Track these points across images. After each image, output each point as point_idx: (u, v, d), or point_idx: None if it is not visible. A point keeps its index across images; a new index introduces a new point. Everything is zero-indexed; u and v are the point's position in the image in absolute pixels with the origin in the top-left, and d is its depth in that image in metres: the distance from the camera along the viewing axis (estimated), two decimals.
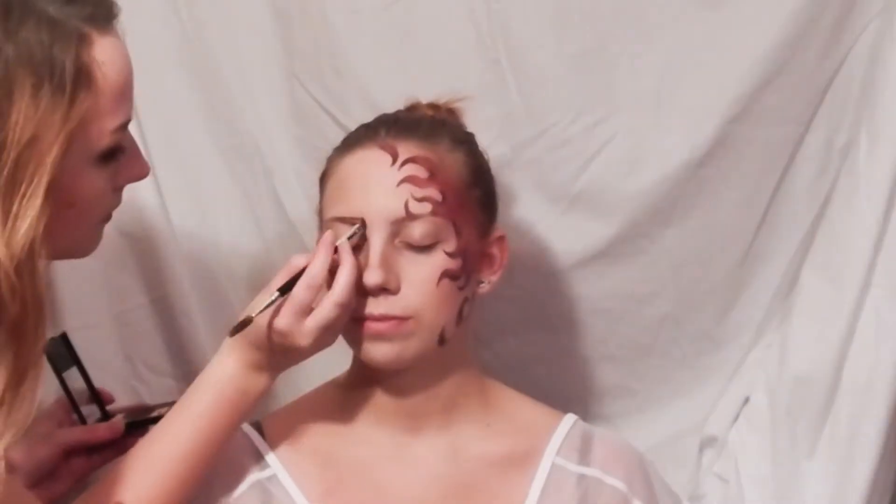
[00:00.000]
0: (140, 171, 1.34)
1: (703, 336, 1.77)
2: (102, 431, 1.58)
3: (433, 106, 1.57)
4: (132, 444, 1.47)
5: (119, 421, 1.59)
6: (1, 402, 1.17)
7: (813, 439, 1.69)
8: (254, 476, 1.49)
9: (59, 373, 1.59)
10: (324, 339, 1.42)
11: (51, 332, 1.77)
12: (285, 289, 1.40)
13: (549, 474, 1.50)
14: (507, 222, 1.66)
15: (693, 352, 1.78)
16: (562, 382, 1.78)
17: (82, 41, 1.21)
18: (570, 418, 1.56)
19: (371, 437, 1.50)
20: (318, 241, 1.51)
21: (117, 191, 1.33)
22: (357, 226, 1.44)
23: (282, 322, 1.40)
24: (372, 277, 1.42)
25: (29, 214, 1.17)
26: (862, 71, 1.68)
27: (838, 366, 1.68)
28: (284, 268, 1.43)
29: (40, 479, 1.52)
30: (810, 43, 1.67)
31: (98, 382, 1.65)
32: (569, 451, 1.52)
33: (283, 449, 1.50)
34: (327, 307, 1.40)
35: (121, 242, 1.77)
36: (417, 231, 1.44)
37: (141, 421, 1.58)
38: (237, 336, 1.41)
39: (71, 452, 1.56)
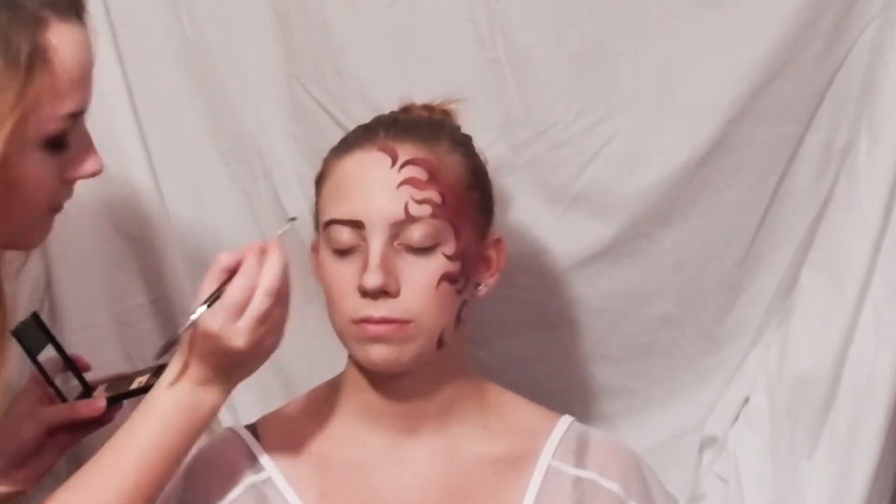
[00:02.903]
0: (92, 167, 1.35)
1: (703, 336, 1.77)
2: (84, 410, 1.53)
3: (428, 107, 1.57)
4: (114, 415, 1.49)
5: (100, 397, 1.55)
6: None
7: (813, 439, 1.69)
8: (249, 479, 1.49)
9: (32, 354, 1.53)
10: (264, 337, 1.36)
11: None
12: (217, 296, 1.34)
13: (545, 477, 1.50)
14: (507, 222, 1.66)
15: (693, 352, 1.78)
16: (562, 382, 1.78)
17: (39, 24, 1.25)
18: (566, 420, 1.56)
19: (367, 439, 1.50)
20: (312, 245, 1.52)
21: (67, 183, 1.34)
22: (291, 219, 1.41)
23: (213, 323, 1.33)
24: (372, 280, 1.42)
25: None
26: (862, 71, 1.68)
27: (838, 366, 1.68)
28: (211, 269, 1.36)
29: (27, 457, 1.51)
30: (810, 43, 1.66)
31: None
32: (565, 453, 1.52)
33: (279, 451, 1.50)
34: (258, 298, 1.34)
35: (121, 242, 1.77)
36: (417, 233, 1.44)
37: (123, 394, 1.55)
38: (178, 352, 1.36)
39: (54, 429, 1.53)
